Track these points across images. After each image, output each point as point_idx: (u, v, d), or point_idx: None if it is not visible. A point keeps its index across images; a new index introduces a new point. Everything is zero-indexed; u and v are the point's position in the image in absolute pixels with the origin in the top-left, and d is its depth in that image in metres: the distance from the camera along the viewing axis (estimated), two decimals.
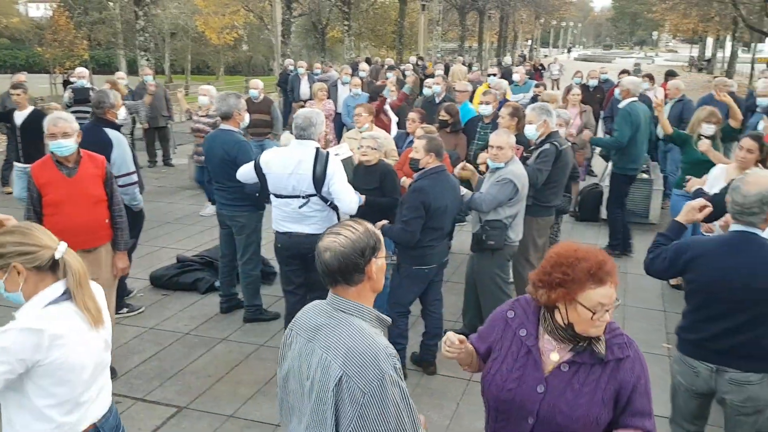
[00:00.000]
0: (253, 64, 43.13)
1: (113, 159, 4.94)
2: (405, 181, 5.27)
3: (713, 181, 4.68)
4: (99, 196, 4.25)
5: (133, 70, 22.73)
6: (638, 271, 6.48)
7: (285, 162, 4.34)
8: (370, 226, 2.06)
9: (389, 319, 2.11)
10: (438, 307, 4.69)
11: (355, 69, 13.26)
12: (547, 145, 5.06)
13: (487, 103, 6.48)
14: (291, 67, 14.88)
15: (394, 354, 1.92)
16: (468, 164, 5.07)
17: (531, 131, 5.16)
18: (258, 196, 4.74)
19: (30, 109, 8.04)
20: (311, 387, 1.93)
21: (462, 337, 2.27)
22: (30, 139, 7.74)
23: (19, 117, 7.85)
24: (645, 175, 8.08)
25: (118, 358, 4.69)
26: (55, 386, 2.08)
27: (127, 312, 5.49)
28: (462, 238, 7.23)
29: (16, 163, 7.89)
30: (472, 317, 5.13)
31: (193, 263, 6.38)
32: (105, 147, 4.93)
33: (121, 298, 5.47)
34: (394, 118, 7.98)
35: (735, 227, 2.91)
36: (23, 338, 1.99)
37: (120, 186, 5.02)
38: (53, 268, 2.12)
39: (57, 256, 2.11)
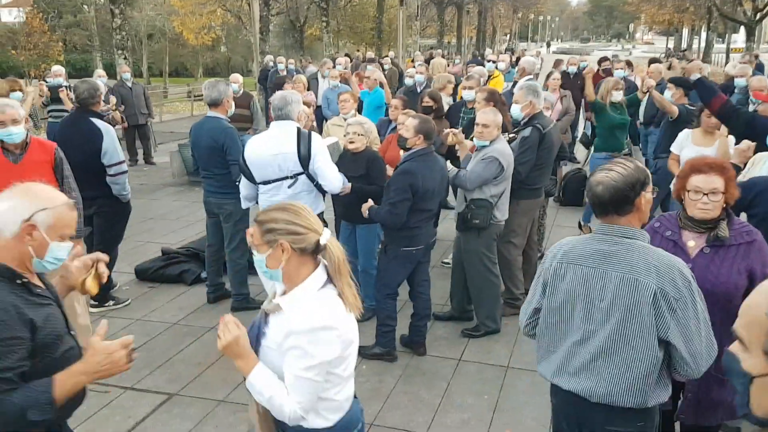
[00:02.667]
0: (232, 65, 42.85)
1: (104, 149, 4.91)
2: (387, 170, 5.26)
3: (682, 143, 5.35)
4: (47, 182, 4.12)
5: (110, 73, 22.53)
6: None
7: (267, 143, 4.33)
8: (639, 163, 2.35)
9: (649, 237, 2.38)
10: (426, 288, 4.69)
11: (334, 63, 13.23)
12: (527, 131, 4.96)
13: (470, 88, 6.48)
14: (271, 63, 14.83)
15: (683, 262, 2.29)
16: (459, 132, 5.01)
17: (516, 111, 5.14)
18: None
19: None
20: (610, 306, 2.26)
21: None
22: None
23: None
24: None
25: None
26: (338, 372, 2.08)
27: (114, 304, 5.43)
28: (447, 224, 7.26)
29: None
30: (460, 299, 5.14)
31: (178, 255, 6.33)
32: (95, 137, 4.90)
33: (107, 291, 5.42)
34: None
35: None
36: (322, 339, 1.96)
37: (111, 176, 4.99)
38: (314, 252, 2.06)
39: (322, 241, 2.04)
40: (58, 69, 9.93)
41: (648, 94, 7.61)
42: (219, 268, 5.60)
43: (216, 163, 5.11)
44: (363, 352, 4.62)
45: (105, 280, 2.30)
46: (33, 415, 1.81)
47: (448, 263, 6.06)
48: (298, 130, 4.31)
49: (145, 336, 4.93)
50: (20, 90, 7.45)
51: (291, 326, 1.98)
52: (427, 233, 4.47)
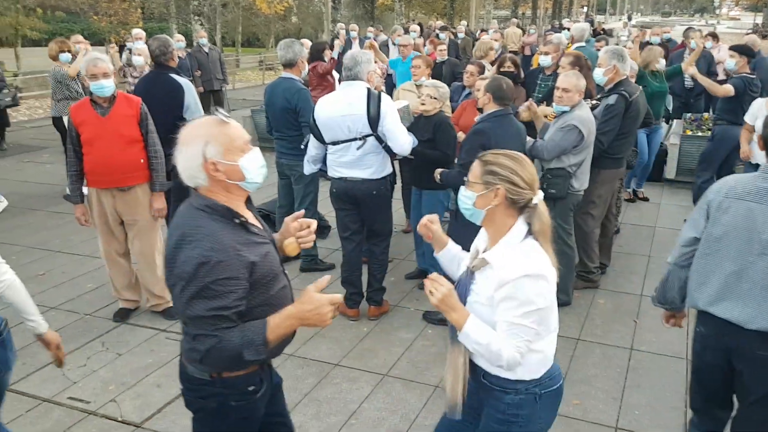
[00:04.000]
0: (303, 35, 43.14)
1: (187, 103, 5.00)
2: (460, 136, 5.17)
3: (756, 113, 5.39)
4: (132, 136, 4.23)
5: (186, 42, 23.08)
6: None
7: (336, 104, 4.28)
8: None
9: None
10: None
11: (406, 32, 13.09)
12: (613, 98, 4.70)
13: (547, 54, 6.25)
14: (342, 32, 14.75)
15: None
16: (533, 104, 4.86)
17: (598, 75, 4.90)
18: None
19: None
20: None
21: None
22: None
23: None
24: None
25: None
26: (547, 323, 2.11)
27: None
28: None
29: None
30: None
31: None
32: (178, 92, 4.99)
33: None
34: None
35: None
36: (536, 287, 1.99)
37: None
38: (521, 208, 2.10)
39: (534, 201, 2.09)
40: (138, 32, 10.16)
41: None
42: None
43: (288, 124, 5.13)
44: (428, 318, 4.61)
45: (306, 247, 2.30)
46: (248, 354, 1.88)
47: None
48: (368, 90, 4.24)
49: None
50: (68, 51, 7.63)
51: (503, 276, 2.00)
52: None
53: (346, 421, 3.49)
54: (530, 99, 4.74)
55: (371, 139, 4.26)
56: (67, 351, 4.12)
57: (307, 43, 9.46)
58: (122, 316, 4.57)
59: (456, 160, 4.43)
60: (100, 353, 4.14)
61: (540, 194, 2.09)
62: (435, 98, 4.74)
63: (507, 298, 1.98)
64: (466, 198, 2.12)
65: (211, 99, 11.75)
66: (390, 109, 4.26)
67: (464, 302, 2.10)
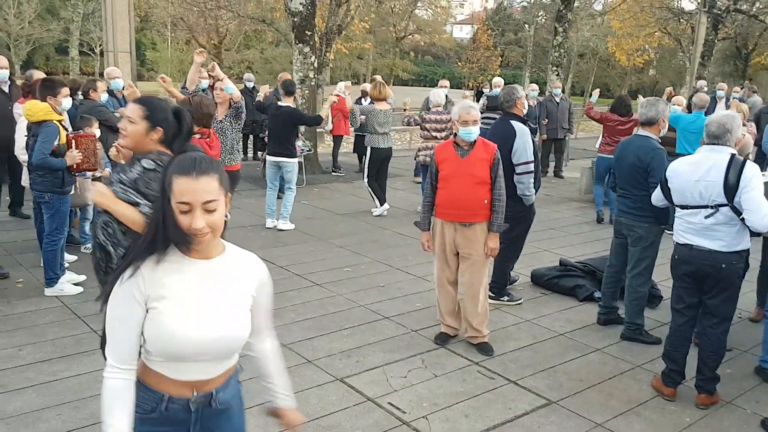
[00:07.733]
0: (658, 89, 41.00)
1: (515, 147, 5.36)
2: None
3: None
4: (482, 178, 4.60)
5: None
6: None
7: (693, 168, 4.04)
8: None
9: None
10: None
11: None
12: None
13: None
14: (705, 89, 13.63)
15: None
16: None
17: None
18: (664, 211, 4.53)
19: None
20: None
21: None
22: None
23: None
24: None
25: (496, 339, 4.94)
26: None
27: (507, 300, 5.74)
28: None
29: None
30: None
31: (575, 269, 6.33)
32: (509, 137, 5.40)
33: (504, 286, 5.76)
34: None
35: None
36: None
37: (517, 174, 5.35)
38: None
39: None
40: (498, 80, 10.90)
41: None
42: (615, 292, 5.41)
43: (635, 182, 4.93)
44: None
45: None
46: None
47: None
48: (732, 157, 3.89)
49: (531, 338, 5.07)
50: None
51: None
52: None
53: None
54: None
55: (725, 209, 3.89)
56: (392, 360, 4.59)
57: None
58: (442, 339, 4.89)
59: None
60: (419, 369, 4.48)
61: None
62: None
63: None
64: None
65: (552, 147, 11.94)
66: (755, 177, 3.85)
67: None
